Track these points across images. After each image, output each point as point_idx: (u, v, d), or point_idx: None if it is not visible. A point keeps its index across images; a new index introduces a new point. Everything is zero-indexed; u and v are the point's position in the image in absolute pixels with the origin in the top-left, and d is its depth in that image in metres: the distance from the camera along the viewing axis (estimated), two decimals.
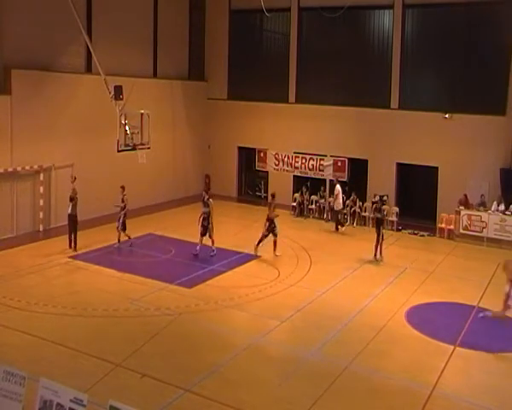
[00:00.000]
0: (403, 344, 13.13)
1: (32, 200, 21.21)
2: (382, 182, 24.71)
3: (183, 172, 28.14)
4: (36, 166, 20.97)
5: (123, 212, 19.41)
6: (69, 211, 19.10)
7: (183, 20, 28.28)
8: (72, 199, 19.12)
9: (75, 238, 19.11)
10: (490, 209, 21.77)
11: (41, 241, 20.27)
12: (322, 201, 25.41)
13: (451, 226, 22.44)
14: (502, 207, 21.62)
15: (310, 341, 13.05)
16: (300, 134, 26.75)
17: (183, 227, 21.57)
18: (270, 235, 19.12)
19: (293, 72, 27.34)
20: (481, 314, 13.97)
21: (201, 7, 29.20)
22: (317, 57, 26.98)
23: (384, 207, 19.84)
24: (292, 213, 25.60)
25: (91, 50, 20.48)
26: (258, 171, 28.46)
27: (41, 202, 21.22)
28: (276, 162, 27.25)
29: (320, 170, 26.07)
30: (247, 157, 28.98)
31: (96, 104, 22.08)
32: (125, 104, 19.24)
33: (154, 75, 26.73)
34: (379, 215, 19.57)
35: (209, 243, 18.91)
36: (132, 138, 19.56)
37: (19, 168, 20.44)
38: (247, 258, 18.95)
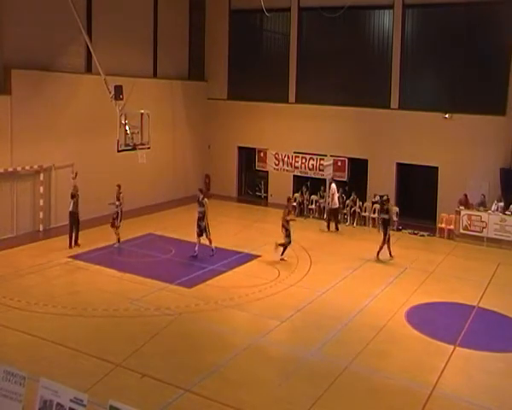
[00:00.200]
0: (403, 344, 13.13)
1: (32, 200, 21.21)
2: (382, 182, 24.71)
3: (183, 172, 28.14)
4: (36, 166, 20.97)
5: (118, 209, 19.43)
6: (70, 208, 19.14)
7: (183, 20, 28.28)
8: (74, 196, 19.15)
9: (76, 235, 19.19)
10: (490, 209, 21.77)
11: (41, 241, 20.27)
12: (322, 201, 25.39)
13: (451, 226, 22.44)
14: (501, 204, 21.60)
15: (310, 341, 13.04)
16: (300, 134, 26.75)
17: (183, 227, 21.57)
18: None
19: (293, 72, 27.34)
20: None
21: (201, 7, 29.20)
22: (317, 57, 26.99)
23: (390, 207, 19.82)
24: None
25: (91, 50, 20.48)
26: (258, 171, 28.41)
27: (41, 202, 21.22)
28: (276, 162, 27.21)
29: (320, 170, 26.02)
30: (247, 157, 28.98)
31: (96, 104, 22.08)
32: (125, 104, 19.25)
33: (154, 75, 26.73)
34: (386, 216, 19.52)
35: (207, 243, 18.90)
36: (132, 138, 19.56)
37: (19, 168, 20.44)
38: (247, 258, 18.95)
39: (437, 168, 23.95)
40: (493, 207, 21.78)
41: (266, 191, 28.62)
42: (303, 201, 25.75)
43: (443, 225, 22.78)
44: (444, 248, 21.20)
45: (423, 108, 24.20)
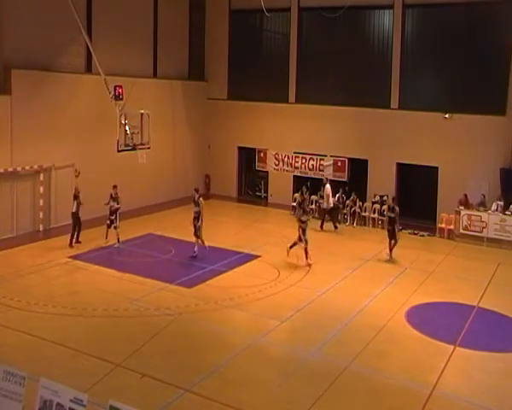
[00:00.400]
0: (403, 344, 13.13)
1: (32, 200, 21.21)
2: (382, 182, 24.71)
3: (183, 172, 28.13)
4: (36, 166, 20.96)
5: (115, 208, 19.45)
6: (73, 209, 19.26)
7: (183, 20, 28.28)
8: (76, 197, 19.22)
9: (78, 235, 19.32)
10: (490, 209, 21.77)
11: (41, 241, 20.26)
12: (322, 201, 25.38)
13: (451, 226, 22.44)
14: (501, 203, 21.59)
15: (310, 341, 13.05)
16: (300, 134, 26.75)
17: (182, 227, 21.51)
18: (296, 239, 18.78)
19: (293, 72, 27.33)
20: None
21: (201, 7, 29.21)
22: (317, 57, 26.99)
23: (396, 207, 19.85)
24: (292, 213, 25.56)
25: (91, 50, 20.48)
26: (258, 171, 28.47)
27: (41, 202, 21.22)
28: (276, 162, 27.27)
29: (320, 170, 26.09)
30: (247, 157, 28.98)
31: (96, 104, 22.08)
32: (125, 104, 19.25)
33: (154, 75, 26.73)
34: (392, 215, 19.51)
35: (199, 241, 18.86)
36: (132, 138, 19.57)
37: (19, 168, 20.44)
38: (247, 258, 18.95)
39: (437, 168, 23.95)
40: (493, 207, 21.78)
41: (266, 191, 28.61)
42: (303, 201, 25.67)
43: (443, 225, 22.78)
44: (444, 248, 21.20)
45: (423, 108, 24.19)
